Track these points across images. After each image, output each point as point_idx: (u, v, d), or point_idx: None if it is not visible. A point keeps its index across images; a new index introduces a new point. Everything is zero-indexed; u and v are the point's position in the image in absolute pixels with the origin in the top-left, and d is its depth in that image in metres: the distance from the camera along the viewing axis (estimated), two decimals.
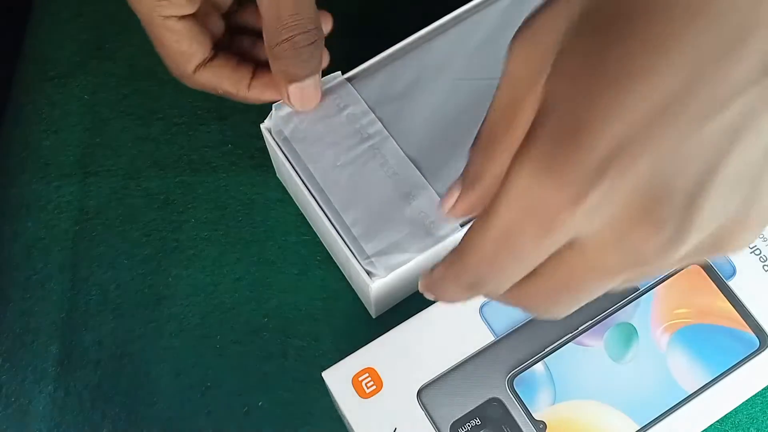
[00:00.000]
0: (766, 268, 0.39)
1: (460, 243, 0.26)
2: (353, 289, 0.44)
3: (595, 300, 0.26)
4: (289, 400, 0.42)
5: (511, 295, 0.27)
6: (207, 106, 0.49)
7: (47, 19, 0.52)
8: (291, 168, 0.40)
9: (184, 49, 0.39)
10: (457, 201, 0.29)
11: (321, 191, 0.39)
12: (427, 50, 0.42)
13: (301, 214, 0.46)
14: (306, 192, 0.39)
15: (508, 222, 0.24)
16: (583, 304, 0.26)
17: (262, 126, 0.40)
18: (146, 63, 0.50)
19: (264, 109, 0.40)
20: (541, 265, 0.25)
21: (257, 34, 0.42)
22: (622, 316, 0.38)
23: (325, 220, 0.39)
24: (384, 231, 0.38)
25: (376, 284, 0.37)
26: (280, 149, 0.40)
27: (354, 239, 0.38)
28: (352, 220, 0.38)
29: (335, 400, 0.37)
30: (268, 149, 0.43)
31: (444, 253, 0.30)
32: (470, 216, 0.30)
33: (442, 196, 0.30)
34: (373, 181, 0.39)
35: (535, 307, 0.27)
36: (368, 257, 0.37)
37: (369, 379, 0.37)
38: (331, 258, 0.45)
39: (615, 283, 0.25)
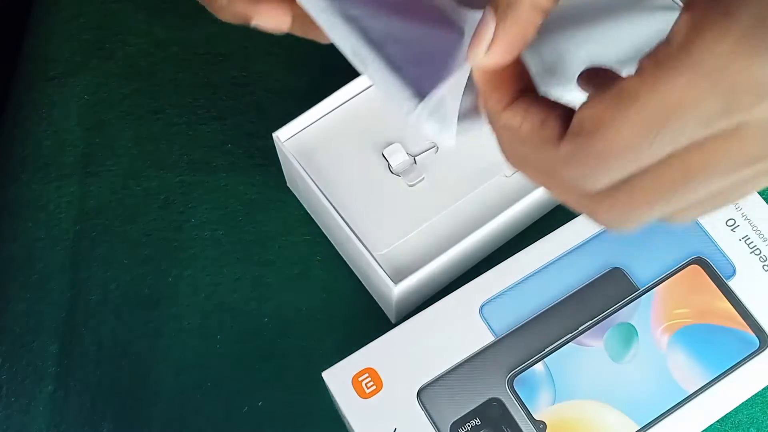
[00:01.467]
0: (766, 268, 0.39)
1: (577, 120, 0.22)
2: (353, 289, 0.44)
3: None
4: (289, 400, 0.42)
5: (599, 198, 0.23)
6: (207, 106, 0.49)
7: (47, 19, 0.52)
8: (308, 178, 0.39)
9: None
10: (493, 40, 0.24)
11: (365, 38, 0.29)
12: None
13: (301, 213, 0.46)
14: (328, 205, 0.39)
15: (677, 100, 0.20)
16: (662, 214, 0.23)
17: (274, 135, 0.41)
18: (146, 63, 0.50)
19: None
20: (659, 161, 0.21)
21: None
22: (622, 316, 0.38)
23: (344, 226, 0.38)
24: (439, 73, 0.27)
25: (399, 287, 0.37)
26: (295, 158, 0.40)
27: (411, 95, 0.27)
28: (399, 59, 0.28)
29: (335, 400, 0.37)
30: (280, 157, 0.43)
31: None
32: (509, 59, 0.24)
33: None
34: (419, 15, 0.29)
35: (625, 213, 0.23)
36: (425, 104, 0.27)
37: (369, 379, 0.37)
38: (332, 258, 0.45)
39: (724, 184, 0.22)
